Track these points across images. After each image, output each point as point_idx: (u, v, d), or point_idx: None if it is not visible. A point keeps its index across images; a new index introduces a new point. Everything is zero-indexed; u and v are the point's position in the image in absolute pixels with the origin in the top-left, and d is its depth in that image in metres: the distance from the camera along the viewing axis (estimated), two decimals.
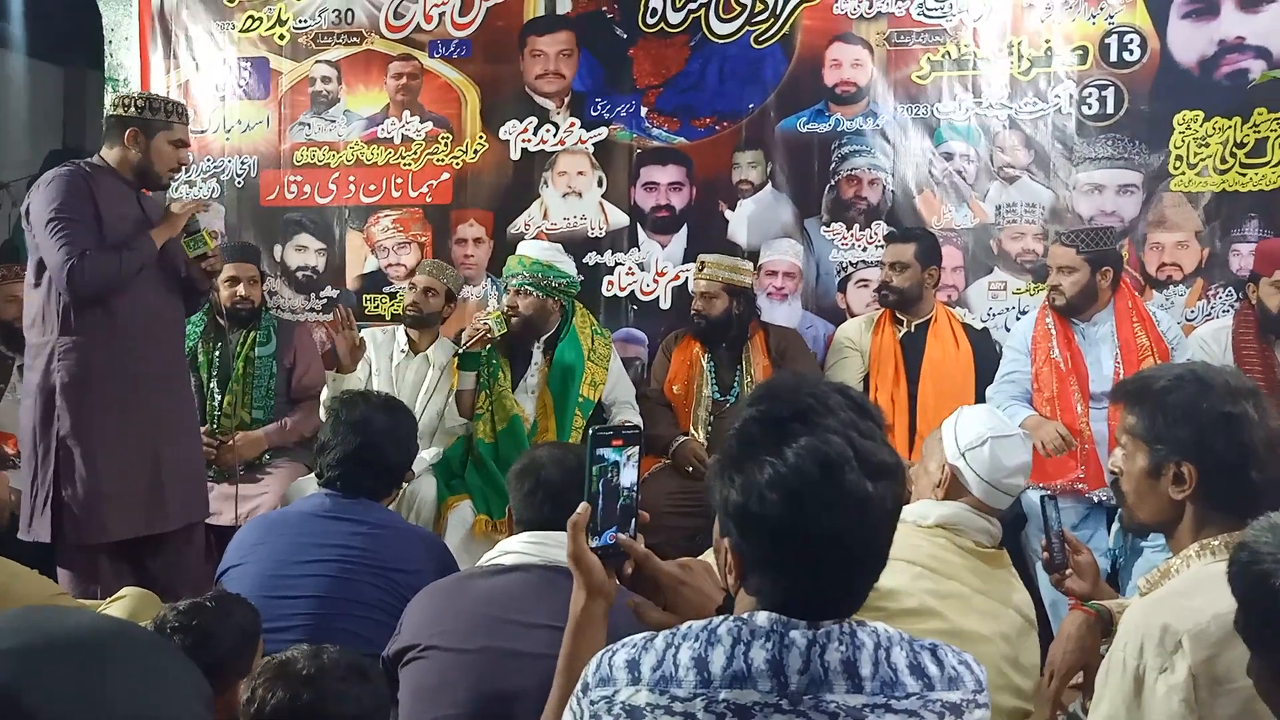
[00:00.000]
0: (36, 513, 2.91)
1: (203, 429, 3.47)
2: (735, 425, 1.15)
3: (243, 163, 4.31)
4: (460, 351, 3.50)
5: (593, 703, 1.13)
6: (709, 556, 2.20)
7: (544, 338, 3.62)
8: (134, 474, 2.95)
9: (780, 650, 1.08)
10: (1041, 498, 1.96)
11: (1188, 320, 3.63)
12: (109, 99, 4.36)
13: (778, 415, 1.12)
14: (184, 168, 3.25)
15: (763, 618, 1.11)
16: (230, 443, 3.52)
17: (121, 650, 0.74)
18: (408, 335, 3.79)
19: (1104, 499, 3.16)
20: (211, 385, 3.69)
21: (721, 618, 1.14)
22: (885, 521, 1.11)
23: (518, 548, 1.87)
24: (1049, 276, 3.42)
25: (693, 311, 3.68)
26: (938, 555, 1.88)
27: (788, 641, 1.08)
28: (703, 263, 3.68)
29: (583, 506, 1.33)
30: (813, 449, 1.08)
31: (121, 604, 2.29)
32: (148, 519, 2.98)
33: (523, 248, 3.70)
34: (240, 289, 3.74)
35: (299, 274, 4.29)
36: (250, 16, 4.29)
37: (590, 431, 1.35)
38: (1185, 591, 1.44)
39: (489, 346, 3.49)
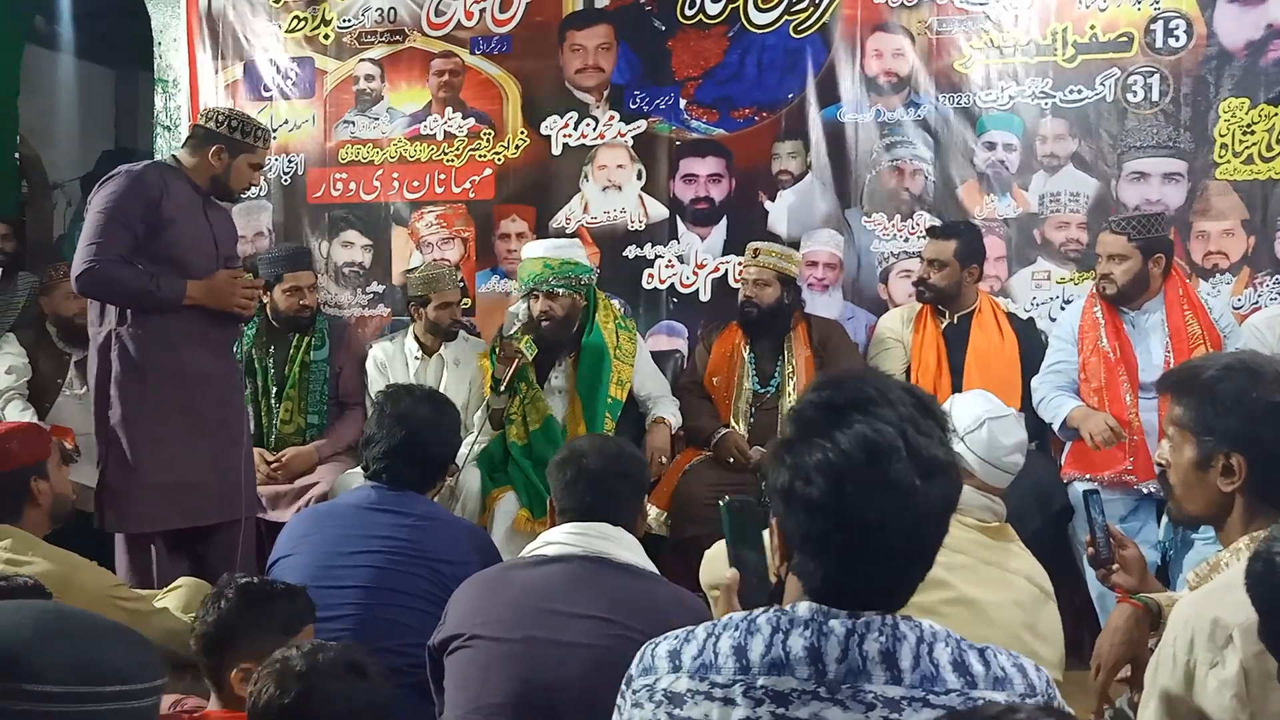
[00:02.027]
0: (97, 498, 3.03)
1: (263, 446, 3.56)
2: (795, 408, 1.18)
3: (290, 161, 4.37)
4: (494, 377, 3.47)
5: (635, 692, 1.16)
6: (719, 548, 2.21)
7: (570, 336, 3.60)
8: (177, 468, 3.01)
9: (819, 638, 1.09)
10: (1085, 493, 1.95)
11: (1234, 308, 3.57)
12: (158, 100, 4.46)
13: (836, 402, 1.13)
14: (254, 187, 3.33)
15: (804, 608, 1.12)
16: (283, 460, 3.60)
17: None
18: (418, 340, 3.81)
19: (1153, 491, 3.11)
20: (271, 392, 3.72)
21: (763, 609, 1.15)
22: (932, 518, 1.12)
23: (560, 538, 1.89)
24: (1099, 265, 3.37)
25: (742, 298, 3.65)
26: None
27: (826, 630, 1.10)
28: (756, 250, 3.65)
29: (731, 572, 1.35)
30: (862, 436, 1.09)
31: (178, 593, 2.36)
32: (186, 512, 3.05)
33: (533, 250, 3.61)
34: (305, 298, 3.76)
35: (345, 270, 4.35)
36: (296, 17, 4.34)
37: (725, 503, 1.38)
38: (1236, 585, 1.42)
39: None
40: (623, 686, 1.19)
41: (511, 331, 3.53)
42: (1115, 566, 1.88)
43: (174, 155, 3.18)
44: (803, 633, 1.10)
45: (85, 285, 2.96)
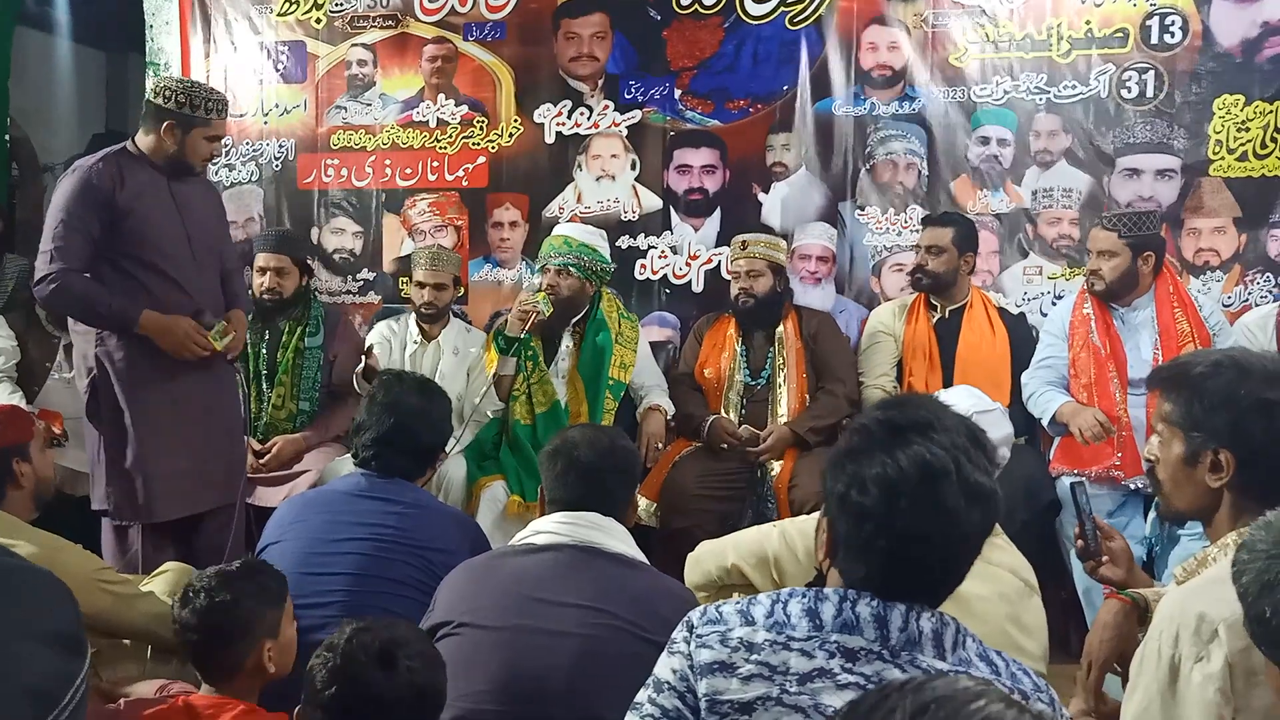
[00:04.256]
0: (96, 487, 3.01)
1: (252, 432, 3.55)
2: (859, 423, 1.29)
3: (280, 146, 4.35)
4: (503, 334, 3.50)
5: (700, 635, 1.27)
6: (735, 538, 2.20)
7: (574, 321, 3.63)
8: (178, 455, 3.00)
9: (884, 609, 1.22)
10: (1072, 485, 1.95)
11: (1225, 306, 3.58)
12: (150, 82, 4.43)
13: (899, 422, 1.25)
14: (215, 157, 3.19)
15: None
16: (274, 450, 3.58)
17: None
18: (419, 325, 3.80)
19: (1141, 486, 3.13)
20: (262, 376, 3.71)
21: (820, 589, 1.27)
22: (969, 540, 1.24)
23: (549, 528, 1.89)
24: (1089, 261, 3.38)
25: (737, 291, 3.64)
26: None
27: (889, 604, 1.22)
28: (744, 242, 3.64)
29: None
30: (920, 457, 1.21)
31: (164, 578, 2.35)
32: (190, 500, 3.05)
33: (562, 229, 3.72)
34: (266, 280, 3.73)
35: (335, 256, 4.33)
36: (287, 0, 4.32)
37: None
38: (1222, 580, 1.42)
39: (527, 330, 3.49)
40: (682, 633, 1.29)
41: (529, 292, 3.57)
42: (1104, 559, 1.89)
43: (132, 139, 3.08)
44: (869, 603, 1.22)
45: (45, 300, 2.94)
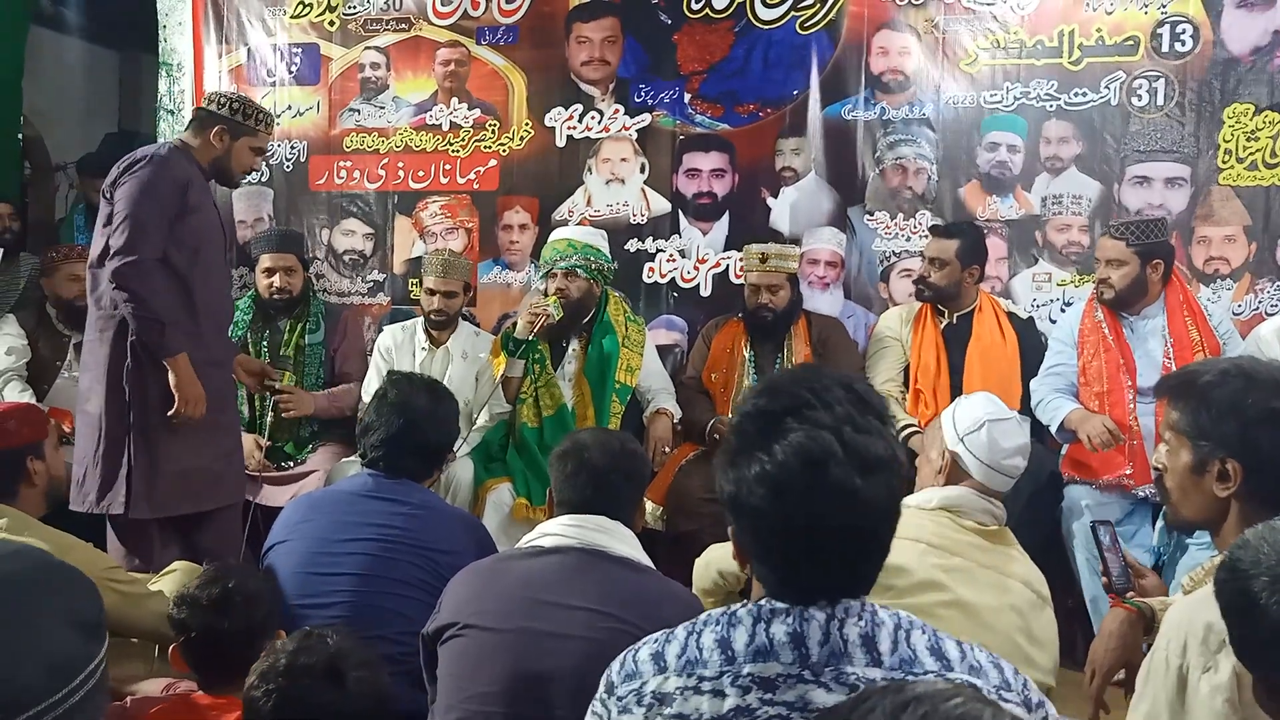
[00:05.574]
0: (113, 486, 2.96)
1: (257, 430, 3.57)
2: (734, 419, 1.19)
3: (293, 147, 4.37)
4: (513, 337, 3.50)
5: (620, 699, 1.18)
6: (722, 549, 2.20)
7: (580, 324, 3.63)
8: (196, 452, 3.01)
9: (801, 624, 1.12)
10: (1093, 524, 1.96)
11: (1235, 315, 3.57)
12: (162, 83, 4.45)
13: (772, 410, 1.15)
14: (255, 170, 3.30)
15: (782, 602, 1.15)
16: (290, 394, 3.56)
17: None
18: (427, 331, 3.81)
19: (1151, 494, 3.12)
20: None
21: (741, 603, 1.17)
22: (878, 513, 1.13)
23: (557, 530, 1.89)
24: (1098, 269, 3.38)
25: (755, 305, 3.61)
26: (942, 533, 1.90)
27: (807, 616, 1.12)
28: (763, 255, 3.61)
29: None
30: (798, 445, 1.11)
31: (172, 577, 2.36)
32: (202, 496, 3.05)
33: (562, 232, 3.72)
34: (276, 280, 3.77)
35: (346, 258, 4.35)
36: (301, 2, 4.33)
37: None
38: None
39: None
40: (602, 694, 1.21)
41: (538, 298, 3.58)
42: (1131, 595, 1.87)
43: (181, 139, 3.14)
44: (784, 620, 1.12)
45: (120, 280, 2.85)
